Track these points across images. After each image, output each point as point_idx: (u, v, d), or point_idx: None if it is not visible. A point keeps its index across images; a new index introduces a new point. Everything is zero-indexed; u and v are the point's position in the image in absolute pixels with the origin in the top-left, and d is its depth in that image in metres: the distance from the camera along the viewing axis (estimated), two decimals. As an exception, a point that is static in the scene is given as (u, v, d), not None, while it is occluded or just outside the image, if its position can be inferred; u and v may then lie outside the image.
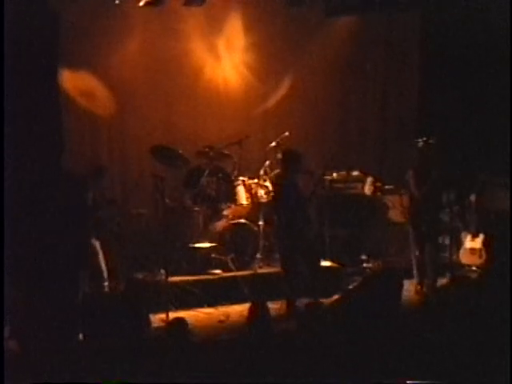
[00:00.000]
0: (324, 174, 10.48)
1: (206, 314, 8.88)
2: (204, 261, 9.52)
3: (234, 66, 11.11)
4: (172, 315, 8.36)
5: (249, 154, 10.44)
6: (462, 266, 10.29)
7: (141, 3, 10.01)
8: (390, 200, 10.61)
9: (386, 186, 10.67)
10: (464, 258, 10.32)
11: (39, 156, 9.01)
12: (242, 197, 9.97)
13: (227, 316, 8.76)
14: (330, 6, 10.84)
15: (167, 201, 9.44)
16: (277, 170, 10.29)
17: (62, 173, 9.18)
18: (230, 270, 9.62)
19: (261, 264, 9.88)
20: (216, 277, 9.51)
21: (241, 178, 10.01)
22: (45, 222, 8.72)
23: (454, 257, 10.44)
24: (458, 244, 10.42)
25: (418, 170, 9.48)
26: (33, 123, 9.01)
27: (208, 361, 5.56)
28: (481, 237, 10.15)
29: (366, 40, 11.58)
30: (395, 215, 10.58)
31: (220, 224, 9.82)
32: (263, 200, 10.11)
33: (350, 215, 10.52)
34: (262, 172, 10.23)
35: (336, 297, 8.76)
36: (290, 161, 8.86)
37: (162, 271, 9.23)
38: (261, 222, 10.08)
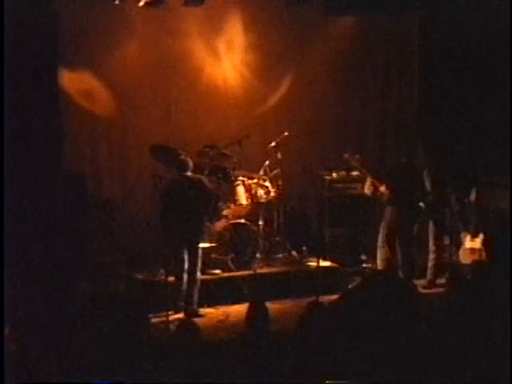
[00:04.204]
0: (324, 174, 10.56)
1: (206, 313, 8.88)
2: (204, 261, 9.52)
3: (234, 66, 11.10)
4: (173, 316, 8.42)
5: (248, 154, 10.45)
6: (462, 265, 10.28)
7: (140, 3, 10.00)
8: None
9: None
10: (464, 257, 10.31)
11: (39, 156, 9.02)
12: (242, 197, 9.97)
13: (227, 316, 8.77)
14: (330, 6, 10.82)
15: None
16: (276, 170, 10.32)
17: (61, 173, 9.19)
18: (230, 270, 9.63)
19: (260, 264, 9.89)
20: (216, 277, 9.52)
21: (240, 178, 10.01)
22: (45, 221, 8.73)
23: (454, 257, 10.45)
24: (458, 244, 10.41)
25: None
26: (33, 123, 9.02)
27: (207, 360, 5.56)
28: (480, 237, 10.13)
29: (366, 40, 11.56)
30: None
31: (220, 224, 9.81)
32: (263, 200, 10.12)
33: (350, 215, 10.54)
34: (261, 172, 10.24)
35: (336, 297, 8.79)
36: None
37: (162, 271, 9.25)
38: (260, 222, 10.10)
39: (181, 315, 8.68)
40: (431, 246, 9.80)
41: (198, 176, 9.05)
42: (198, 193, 8.86)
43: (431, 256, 9.82)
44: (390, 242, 9.60)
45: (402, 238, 9.56)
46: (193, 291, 8.78)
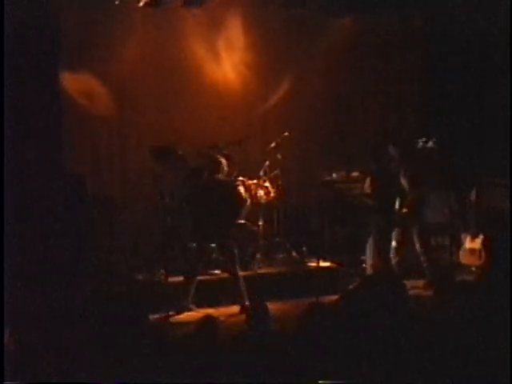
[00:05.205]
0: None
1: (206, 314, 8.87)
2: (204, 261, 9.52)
3: (234, 66, 11.11)
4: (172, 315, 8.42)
5: (249, 154, 10.45)
6: (462, 266, 10.29)
7: (140, 3, 10.03)
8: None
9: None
10: (463, 258, 10.31)
11: (39, 156, 9.02)
12: (242, 197, 9.97)
13: (227, 316, 8.76)
14: (330, 7, 10.83)
15: (167, 200, 9.45)
16: (276, 170, 10.32)
17: (61, 172, 9.19)
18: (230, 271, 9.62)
19: (260, 264, 9.89)
20: (216, 277, 9.51)
21: (240, 178, 10.01)
22: (45, 221, 8.73)
23: (454, 257, 10.45)
24: (458, 244, 10.42)
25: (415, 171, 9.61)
26: (33, 123, 9.02)
27: (207, 360, 5.56)
28: (480, 237, 10.13)
29: (366, 41, 11.58)
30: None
31: (220, 224, 9.80)
32: (263, 200, 10.11)
33: (350, 215, 10.54)
34: (261, 172, 10.24)
35: (336, 297, 8.79)
36: None
37: (162, 271, 9.25)
38: (260, 223, 10.09)
39: (183, 315, 8.71)
40: (418, 248, 9.71)
41: (231, 179, 9.20)
42: (233, 195, 8.98)
43: (421, 258, 9.74)
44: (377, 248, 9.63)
45: (384, 242, 9.59)
46: (241, 288, 8.90)
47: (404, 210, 9.57)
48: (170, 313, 8.61)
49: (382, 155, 9.78)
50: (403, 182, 9.61)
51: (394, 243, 9.63)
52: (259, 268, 9.81)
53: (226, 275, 9.51)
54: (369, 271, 9.56)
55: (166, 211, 9.56)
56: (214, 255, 9.54)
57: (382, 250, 9.61)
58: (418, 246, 9.68)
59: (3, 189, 7.33)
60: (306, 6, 10.82)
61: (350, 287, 8.56)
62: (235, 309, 8.87)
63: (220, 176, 9.05)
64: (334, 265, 10.05)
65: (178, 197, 9.56)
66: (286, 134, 10.29)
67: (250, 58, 11.09)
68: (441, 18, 11.24)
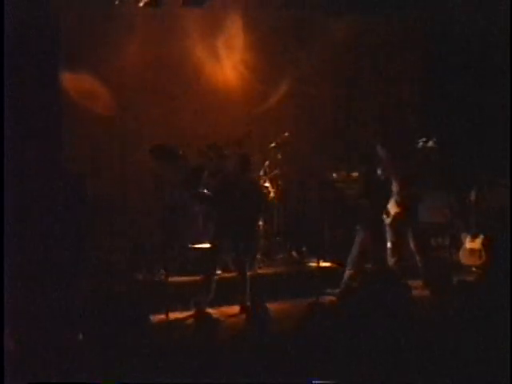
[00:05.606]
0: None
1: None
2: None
3: (234, 66, 11.13)
4: (172, 315, 8.42)
5: (248, 154, 10.44)
6: (462, 266, 10.29)
7: (140, 4, 10.03)
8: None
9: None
10: (464, 258, 10.31)
11: (39, 156, 9.01)
12: (242, 197, 9.97)
13: (227, 316, 8.76)
14: (330, 6, 10.84)
15: (167, 200, 9.45)
16: (276, 170, 10.32)
17: (61, 172, 9.19)
18: (230, 271, 9.62)
19: (261, 264, 9.88)
20: (216, 277, 9.51)
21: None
22: (45, 221, 8.73)
23: (454, 257, 10.45)
24: (458, 244, 10.42)
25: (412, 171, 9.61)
26: (33, 123, 9.02)
27: (207, 360, 5.56)
28: (480, 237, 10.14)
29: (366, 41, 11.58)
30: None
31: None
32: (263, 200, 10.12)
33: (350, 215, 10.53)
34: (261, 172, 10.23)
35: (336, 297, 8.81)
36: None
37: (162, 271, 9.25)
38: (260, 223, 10.09)
39: (183, 316, 8.72)
40: (412, 248, 9.67)
41: (255, 177, 9.30)
42: (257, 193, 9.01)
43: (417, 258, 9.70)
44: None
45: (380, 243, 9.58)
46: (246, 288, 8.86)
47: (397, 210, 9.54)
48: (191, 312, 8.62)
49: (373, 155, 9.77)
50: (393, 181, 9.59)
51: (389, 244, 9.61)
52: (259, 268, 9.81)
53: (225, 275, 9.54)
54: (346, 278, 9.47)
55: (166, 211, 9.55)
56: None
57: (379, 250, 9.60)
58: (412, 245, 9.66)
59: (3, 189, 7.33)
60: (305, 6, 10.81)
61: (350, 287, 8.58)
62: (235, 309, 8.87)
63: (251, 174, 9.07)
64: (334, 265, 10.05)
65: (184, 195, 9.56)
66: (286, 134, 10.29)
67: (249, 57, 11.09)
68: (441, 18, 11.25)
